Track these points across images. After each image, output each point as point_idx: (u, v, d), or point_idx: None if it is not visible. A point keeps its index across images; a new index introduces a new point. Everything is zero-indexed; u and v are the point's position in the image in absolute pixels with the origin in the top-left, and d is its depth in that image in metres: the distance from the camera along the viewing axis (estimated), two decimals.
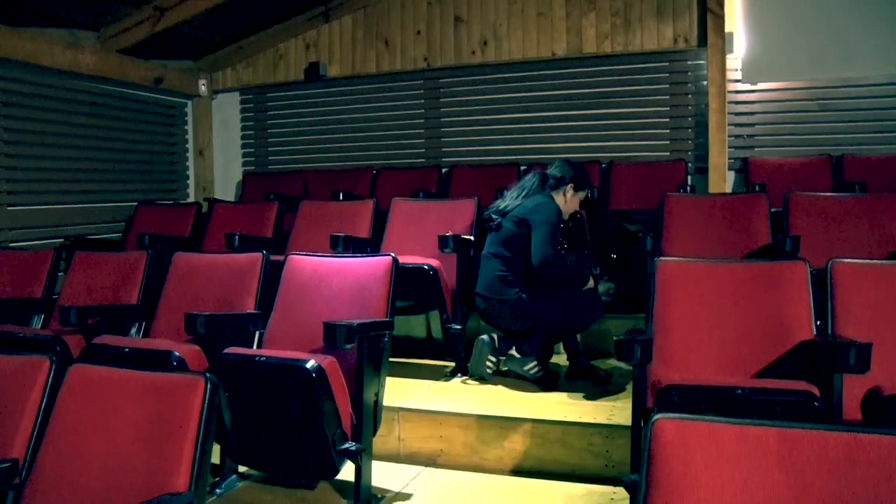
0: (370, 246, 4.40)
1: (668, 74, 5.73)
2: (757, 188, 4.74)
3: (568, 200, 3.82)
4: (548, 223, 3.59)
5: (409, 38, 6.33)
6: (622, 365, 3.56)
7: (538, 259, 3.53)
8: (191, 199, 6.84)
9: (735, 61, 5.49)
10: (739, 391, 2.18)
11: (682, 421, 1.44)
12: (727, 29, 5.35)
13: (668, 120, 5.74)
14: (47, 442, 1.94)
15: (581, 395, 3.46)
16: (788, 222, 3.93)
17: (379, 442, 3.07)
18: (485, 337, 3.72)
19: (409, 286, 3.57)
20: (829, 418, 2.24)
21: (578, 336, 3.92)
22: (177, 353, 2.72)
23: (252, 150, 7.05)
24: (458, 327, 3.85)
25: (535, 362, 3.65)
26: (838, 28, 5.24)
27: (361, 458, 2.65)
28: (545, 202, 3.69)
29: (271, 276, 3.29)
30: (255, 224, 4.97)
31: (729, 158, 5.43)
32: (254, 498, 2.95)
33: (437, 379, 3.81)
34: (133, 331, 3.49)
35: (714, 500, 1.36)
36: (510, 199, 3.78)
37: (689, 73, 5.67)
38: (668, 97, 5.74)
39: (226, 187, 7.06)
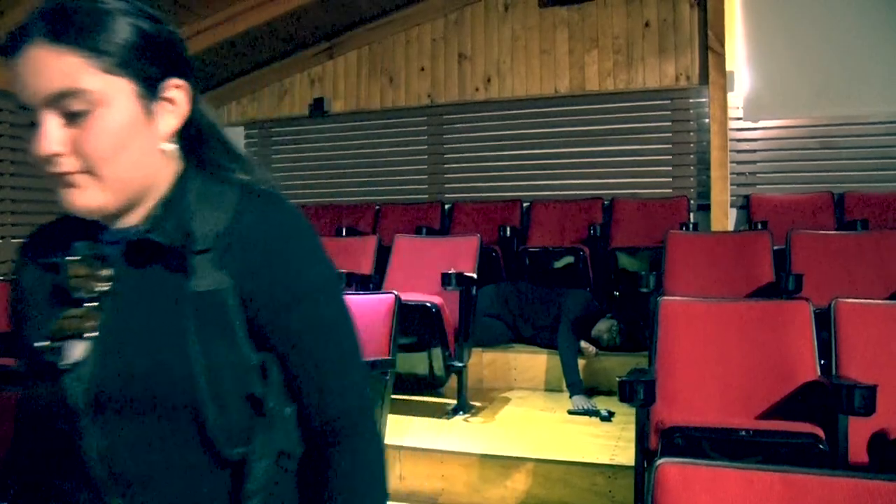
0: (373, 282, 4.40)
1: (669, 112, 5.76)
2: (759, 226, 4.75)
3: None
4: None
5: (413, 75, 6.40)
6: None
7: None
8: None
9: (736, 99, 5.53)
10: (744, 433, 2.16)
11: (686, 465, 1.42)
12: (728, 67, 5.39)
13: (670, 157, 5.76)
14: None
15: (584, 434, 3.43)
16: (791, 260, 3.93)
17: None
18: None
19: (411, 323, 3.56)
20: (835, 461, 2.22)
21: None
22: None
23: None
24: (461, 364, 3.83)
25: None
26: (839, 66, 5.29)
27: None
28: None
29: None
30: None
31: (731, 195, 5.44)
32: None
33: (438, 416, 3.78)
34: None
35: None
36: None
37: (691, 111, 5.71)
38: (670, 134, 5.76)
39: None
